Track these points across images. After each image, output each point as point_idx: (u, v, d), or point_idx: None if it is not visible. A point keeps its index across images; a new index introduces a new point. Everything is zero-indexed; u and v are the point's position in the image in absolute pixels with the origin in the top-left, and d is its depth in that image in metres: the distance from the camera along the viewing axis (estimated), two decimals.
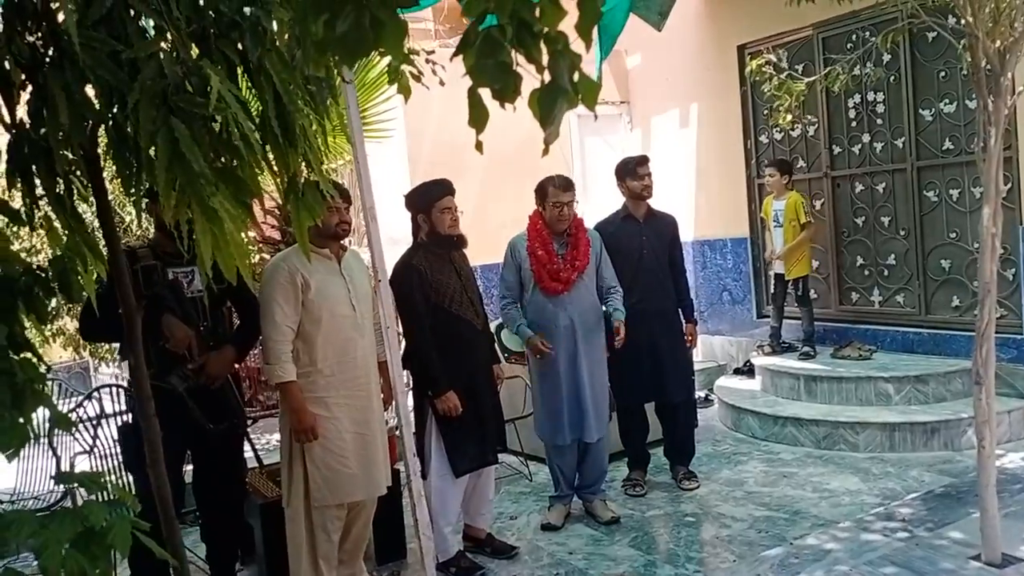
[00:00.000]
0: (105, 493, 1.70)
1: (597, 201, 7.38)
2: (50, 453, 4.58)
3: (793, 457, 5.43)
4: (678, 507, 4.71)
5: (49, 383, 4.39)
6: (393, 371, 3.43)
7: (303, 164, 1.81)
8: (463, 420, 3.92)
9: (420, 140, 7.09)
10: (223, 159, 1.62)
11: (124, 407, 3.81)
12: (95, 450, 4.26)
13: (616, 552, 4.16)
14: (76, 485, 1.67)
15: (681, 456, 5.12)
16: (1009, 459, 4.91)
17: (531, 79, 1.13)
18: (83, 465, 4.23)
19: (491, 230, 6.31)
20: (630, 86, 8.53)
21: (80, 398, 4.61)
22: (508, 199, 6.92)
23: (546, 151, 1.04)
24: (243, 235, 1.68)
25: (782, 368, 6.25)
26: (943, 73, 5.90)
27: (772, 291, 6.92)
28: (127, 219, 5.68)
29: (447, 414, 3.88)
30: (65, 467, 4.44)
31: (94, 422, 4.33)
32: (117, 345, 5.54)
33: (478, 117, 1.04)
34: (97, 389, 4.47)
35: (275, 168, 1.74)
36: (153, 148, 1.49)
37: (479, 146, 1.05)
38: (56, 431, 4.56)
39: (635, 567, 3.94)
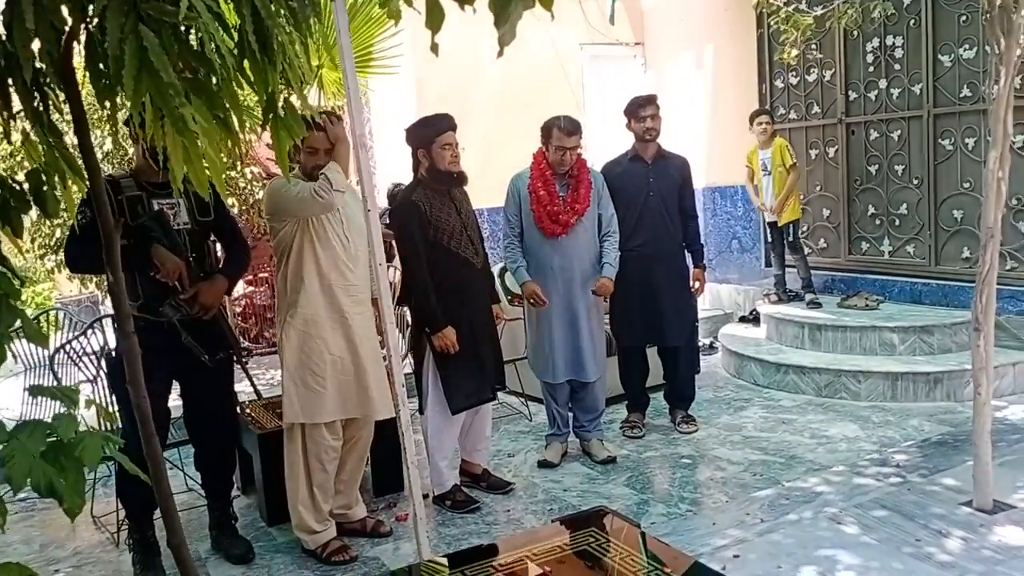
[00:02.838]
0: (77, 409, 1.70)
1: (606, 141, 7.28)
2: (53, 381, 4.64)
3: (793, 404, 5.43)
4: (675, 449, 4.73)
5: (59, 313, 4.41)
6: (383, 304, 3.43)
7: (283, 84, 1.78)
8: (460, 357, 3.94)
9: (428, 78, 6.99)
10: (199, 73, 1.58)
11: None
12: (99, 379, 4.30)
13: (611, 490, 4.19)
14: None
15: (680, 400, 5.13)
16: (1011, 411, 4.90)
17: None
18: (87, 394, 4.27)
19: (498, 172, 6.22)
20: (645, 27, 8.36)
21: (84, 328, 4.64)
22: (516, 141, 6.82)
23: (500, 53, 1.01)
24: (219, 151, 1.65)
25: (787, 316, 6.22)
26: (964, 17, 5.74)
27: (769, 240, 6.86)
28: (107, 145, 5.65)
29: (443, 351, 3.89)
30: None
31: (98, 353, 4.37)
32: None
33: (434, 19, 1.01)
34: (100, 319, 4.50)
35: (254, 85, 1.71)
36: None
37: (435, 48, 1.02)
38: (59, 360, 4.60)
39: (628, 505, 3.97)
